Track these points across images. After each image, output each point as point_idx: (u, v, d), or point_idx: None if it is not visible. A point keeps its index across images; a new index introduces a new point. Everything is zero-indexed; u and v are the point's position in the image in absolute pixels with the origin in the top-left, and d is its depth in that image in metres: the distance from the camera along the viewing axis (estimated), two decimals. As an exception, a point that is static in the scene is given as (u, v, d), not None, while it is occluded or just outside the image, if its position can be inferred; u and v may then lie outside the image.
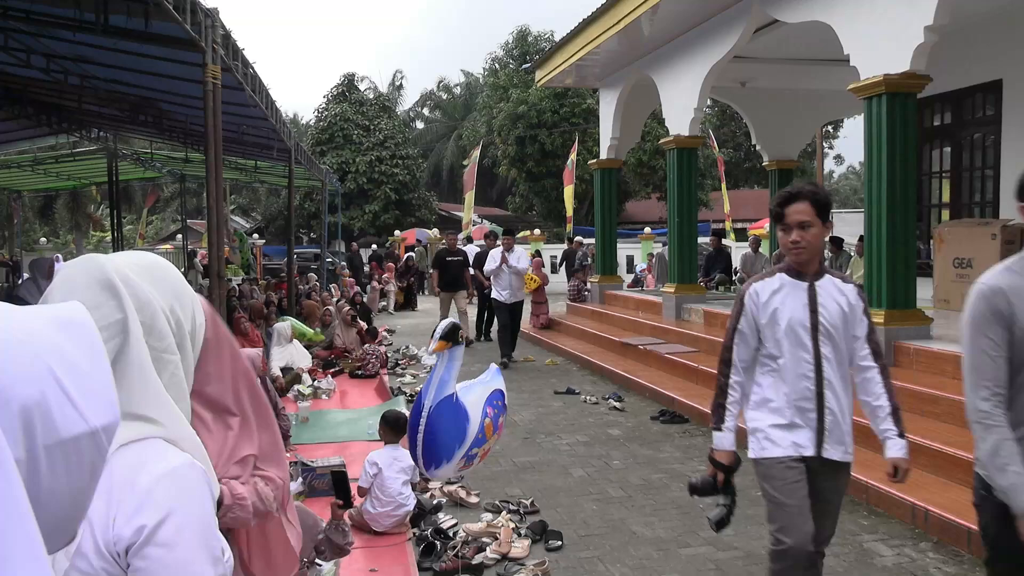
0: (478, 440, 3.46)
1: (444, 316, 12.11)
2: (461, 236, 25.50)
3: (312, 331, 10.87)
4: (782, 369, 3.03)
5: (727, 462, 3.17)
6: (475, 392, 3.85)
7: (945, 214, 11.25)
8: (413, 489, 4.92)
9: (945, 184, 11.40)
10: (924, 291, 8.75)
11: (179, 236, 25.97)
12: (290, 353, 9.35)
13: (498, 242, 11.55)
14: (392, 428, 4.99)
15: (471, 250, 23.19)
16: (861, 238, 10.41)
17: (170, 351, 1.31)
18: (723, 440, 3.17)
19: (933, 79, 7.29)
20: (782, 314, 3.01)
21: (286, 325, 9.64)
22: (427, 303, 19.52)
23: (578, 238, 20.57)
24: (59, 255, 18.18)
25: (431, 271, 14.20)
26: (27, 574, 0.69)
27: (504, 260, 10.93)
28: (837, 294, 3.02)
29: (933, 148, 11.57)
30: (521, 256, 11.22)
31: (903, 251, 7.14)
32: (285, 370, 8.95)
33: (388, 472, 4.71)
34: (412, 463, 4.48)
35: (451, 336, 3.80)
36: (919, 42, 6.72)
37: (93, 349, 0.85)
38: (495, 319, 11.95)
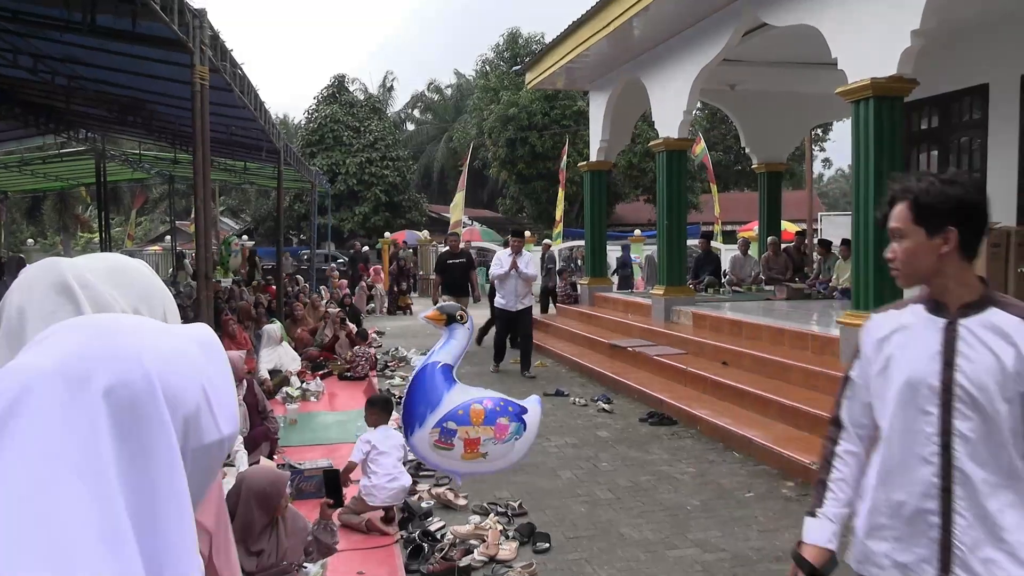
0: (456, 415, 3.34)
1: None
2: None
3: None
4: (889, 448, 2.01)
5: (815, 562, 2.12)
6: (486, 392, 3.63)
7: (932, 217, 11.29)
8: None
9: (932, 187, 11.44)
10: (911, 293, 8.80)
11: (168, 237, 25.89)
12: (279, 355, 9.33)
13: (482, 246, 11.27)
14: (381, 409, 5.12)
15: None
16: (845, 241, 10.46)
17: None
18: (814, 531, 2.14)
19: (920, 83, 7.34)
20: (898, 365, 2.00)
21: (275, 327, 9.61)
22: (419, 305, 19.47)
23: (546, 240, 20.86)
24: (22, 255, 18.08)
25: (433, 275, 13.13)
26: (190, 562, 0.84)
27: (514, 264, 10.14)
28: (998, 340, 1.88)
29: (920, 152, 11.63)
30: (530, 261, 10.45)
31: (890, 254, 7.16)
32: (273, 372, 8.93)
33: (382, 447, 4.90)
34: (404, 442, 4.54)
35: (450, 315, 3.64)
36: (906, 46, 6.76)
37: (224, 367, 0.99)
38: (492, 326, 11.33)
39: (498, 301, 10.57)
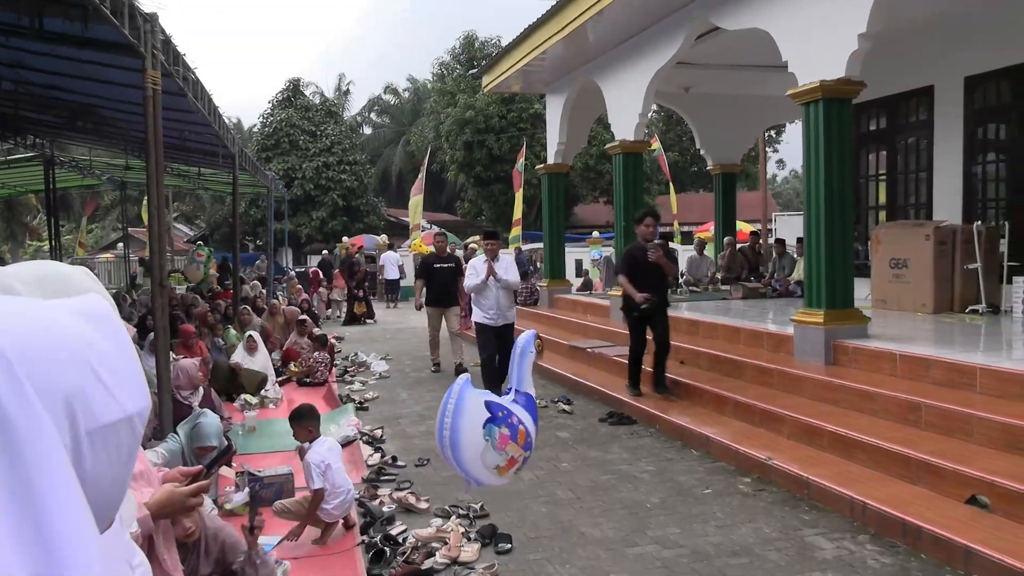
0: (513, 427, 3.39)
1: (434, 336, 10.97)
2: (409, 242, 25.24)
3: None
4: None
5: None
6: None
7: (882, 215, 11.57)
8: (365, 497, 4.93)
9: (881, 186, 11.72)
10: (862, 291, 9.00)
11: (120, 245, 25.44)
12: (260, 363, 9.22)
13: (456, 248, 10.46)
14: (310, 418, 4.87)
15: (390, 258, 22.87)
16: (800, 239, 10.64)
17: None
18: None
19: (868, 85, 7.52)
20: None
21: (255, 335, 9.45)
22: (386, 314, 19.34)
23: (516, 245, 20.87)
24: None
25: (415, 280, 11.88)
26: (82, 551, 0.73)
27: (491, 272, 8.78)
28: None
29: (869, 152, 11.89)
30: (510, 266, 9.00)
31: (841, 252, 7.33)
32: (254, 372, 8.86)
33: (336, 464, 4.71)
34: (340, 447, 4.57)
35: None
36: (853, 49, 6.92)
37: (119, 339, 0.90)
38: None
39: (478, 316, 9.01)
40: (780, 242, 13.83)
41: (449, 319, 10.76)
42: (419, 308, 11.18)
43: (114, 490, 0.88)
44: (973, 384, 5.77)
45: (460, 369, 10.16)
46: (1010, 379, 5.52)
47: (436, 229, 30.88)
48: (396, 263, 22.20)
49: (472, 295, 9.07)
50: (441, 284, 10.43)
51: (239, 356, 9.09)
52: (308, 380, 9.79)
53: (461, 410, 3.35)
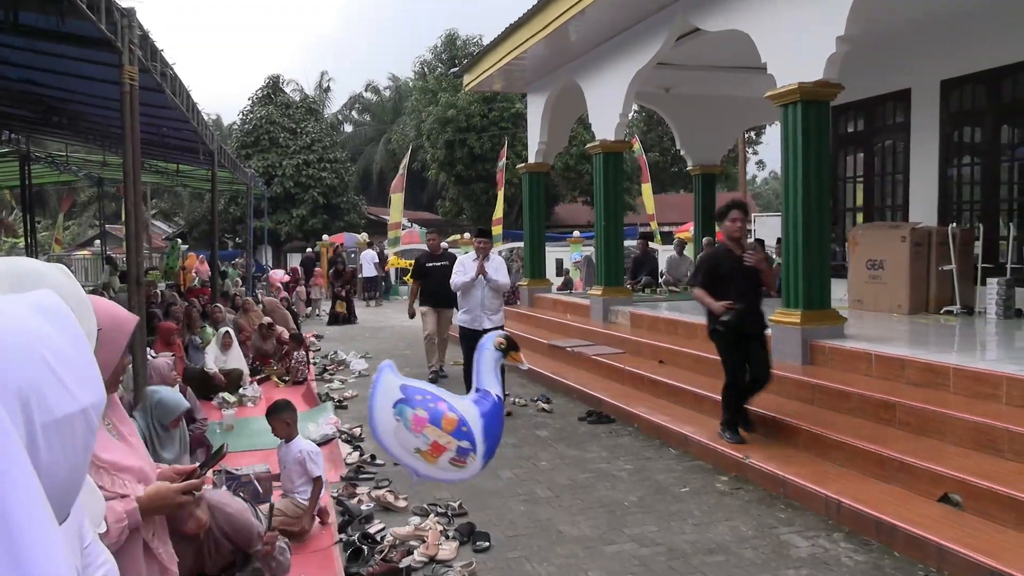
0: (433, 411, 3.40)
1: (431, 339, 10.18)
2: (389, 238, 25.16)
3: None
4: None
5: None
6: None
7: (859, 217, 11.67)
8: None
9: (859, 188, 11.83)
10: (839, 292, 9.08)
11: (97, 242, 25.19)
12: (235, 359, 9.13)
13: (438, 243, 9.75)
14: (289, 411, 4.90)
15: (367, 256, 22.88)
16: (779, 240, 10.74)
17: None
18: None
19: (846, 88, 7.58)
20: None
21: (228, 331, 9.36)
22: (365, 313, 19.25)
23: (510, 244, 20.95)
24: None
25: (410, 281, 11.51)
26: (41, 541, 0.75)
27: (480, 270, 8.12)
28: None
29: (847, 154, 12.00)
30: (500, 266, 8.35)
31: (818, 253, 7.39)
32: (229, 370, 8.80)
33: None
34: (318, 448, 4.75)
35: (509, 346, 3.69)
36: (831, 52, 6.98)
37: (75, 334, 0.92)
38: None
39: (460, 318, 8.37)
40: (759, 243, 13.93)
41: (442, 324, 10.13)
42: (412, 316, 10.41)
43: (71, 481, 0.89)
44: (947, 384, 5.84)
45: (439, 375, 9.80)
46: (983, 379, 5.59)
47: (418, 228, 30.90)
48: (372, 261, 22.29)
49: (459, 294, 8.39)
50: (437, 283, 9.65)
51: (212, 352, 9.03)
52: (287, 379, 9.75)
53: (376, 391, 3.40)
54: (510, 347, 3.70)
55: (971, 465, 4.76)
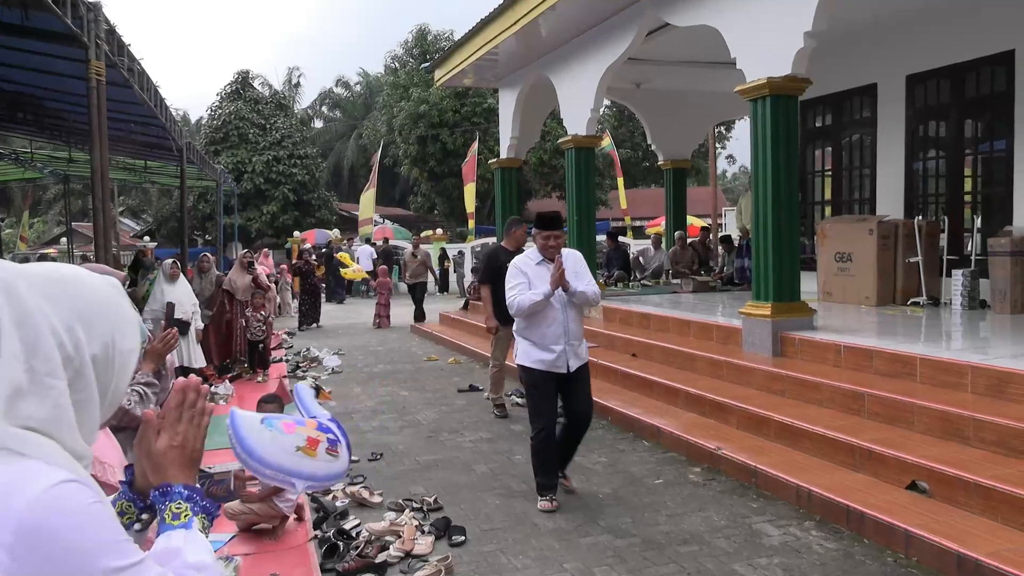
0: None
1: (500, 367, 8.11)
2: (359, 236, 25.01)
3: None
4: None
5: None
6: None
7: (827, 211, 11.81)
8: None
9: (827, 182, 11.97)
10: (809, 284, 9.19)
11: (64, 239, 24.83)
12: (181, 292, 8.69)
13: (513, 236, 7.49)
14: (272, 405, 4.90)
15: (364, 251, 22.82)
16: (724, 238, 10.80)
17: (54, 375, 1.12)
18: None
19: (814, 83, 7.68)
20: None
21: (168, 263, 8.86)
22: (335, 309, 19.12)
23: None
24: None
25: (478, 285, 9.26)
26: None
27: (559, 280, 5.06)
28: None
29: (815, 148, 12.13)
30: (580, 266, 5.36)
31: (788, 246, 7.48)
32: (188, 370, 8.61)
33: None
34: None
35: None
36: (799, 47, 7.06)
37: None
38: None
39: (529, 355, 5.27)
40: (726, 239, 14.09)
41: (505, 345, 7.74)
42: (494, 331, 7.83)
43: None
44: (914, 374, 5.95)
45: (503, 414, 7.84)
46: (948, 369, 5.69)
47: (389, 224, 30.71)
48: (370, 256, 22.32)
49: (517, 318, 5.34)
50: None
51: (160, 284, 8.55)
52: (261, 380, 9.68)
53: (235, 423, 3.17)
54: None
55: (938, 453, 4.85)
